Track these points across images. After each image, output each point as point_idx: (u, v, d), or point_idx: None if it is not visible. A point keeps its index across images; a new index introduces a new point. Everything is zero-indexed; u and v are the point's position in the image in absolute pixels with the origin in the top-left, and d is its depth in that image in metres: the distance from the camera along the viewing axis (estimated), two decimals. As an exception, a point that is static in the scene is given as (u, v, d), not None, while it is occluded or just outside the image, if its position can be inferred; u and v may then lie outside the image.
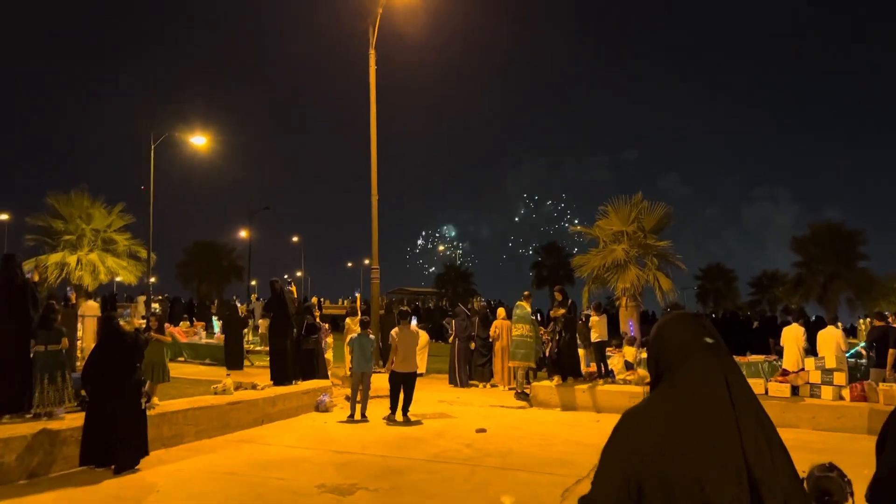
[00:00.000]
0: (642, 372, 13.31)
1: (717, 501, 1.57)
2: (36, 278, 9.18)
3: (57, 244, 23.70)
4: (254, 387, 11.18)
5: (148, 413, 8.04)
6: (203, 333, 19.74)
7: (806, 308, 32.04)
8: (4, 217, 49.73)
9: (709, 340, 1.74)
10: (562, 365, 12.75)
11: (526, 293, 14.66)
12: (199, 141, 25.71)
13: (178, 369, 14.52)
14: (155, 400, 8.89)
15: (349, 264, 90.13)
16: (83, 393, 7.95)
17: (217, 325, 21.31)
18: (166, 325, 19.81)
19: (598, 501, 1.67)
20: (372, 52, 16.53)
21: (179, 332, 19.27)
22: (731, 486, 1.58)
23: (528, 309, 14.29)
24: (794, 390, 11.29)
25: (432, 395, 13.73)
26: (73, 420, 7.64)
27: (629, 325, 18.39)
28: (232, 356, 15.92)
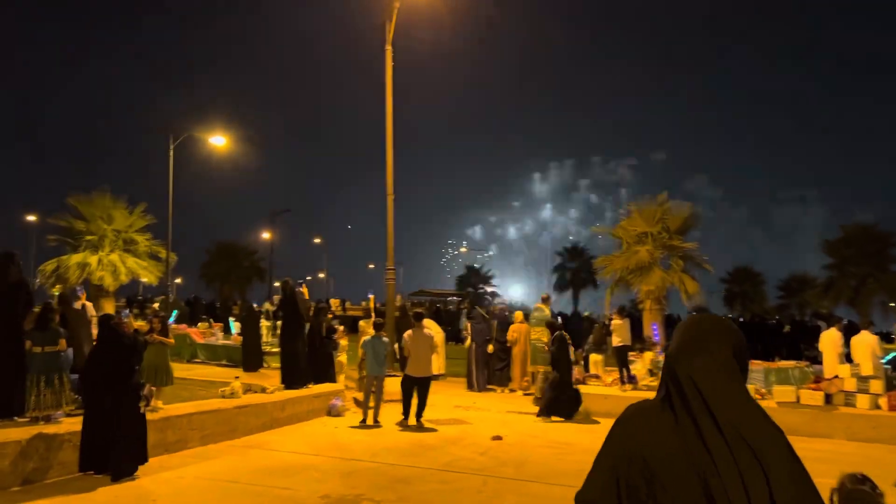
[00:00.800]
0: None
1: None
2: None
3: (79, 244, 23.82)
4: (263, 390, 10.89)
5: (151, 417, 7.79)
6: (220, 335, 19.59)
7: (836, 312, 31.06)
8: (32, 218, 50.47)
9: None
10: (560, 406, 11.92)
11: (544, 295, 14.28)
12: (218, 141, 25.69)
13: (192, 370, 14.35)
14: (159, 403, 8.62)
15: (370, 265, 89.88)
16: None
17: (234, 326, 21.17)
18: (183, 325, 19.76)
19: (584, 494, 1.69)
20: (388, 48, 16.20)
21: (196, 332, 19.14)
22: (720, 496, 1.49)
23: (547, 311, 13.89)
24: (828, 398, 10.75)
25: (448, 399, 13.36)
26: (70, 424, 7.38)
27: (653, 329, 17.89)
28: (249, 357, 15.71)
